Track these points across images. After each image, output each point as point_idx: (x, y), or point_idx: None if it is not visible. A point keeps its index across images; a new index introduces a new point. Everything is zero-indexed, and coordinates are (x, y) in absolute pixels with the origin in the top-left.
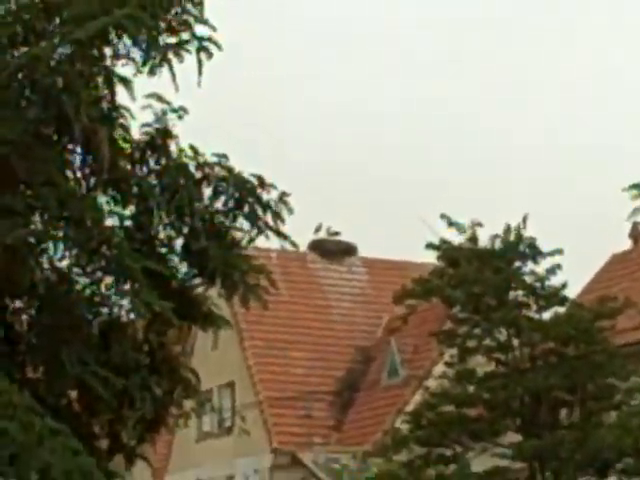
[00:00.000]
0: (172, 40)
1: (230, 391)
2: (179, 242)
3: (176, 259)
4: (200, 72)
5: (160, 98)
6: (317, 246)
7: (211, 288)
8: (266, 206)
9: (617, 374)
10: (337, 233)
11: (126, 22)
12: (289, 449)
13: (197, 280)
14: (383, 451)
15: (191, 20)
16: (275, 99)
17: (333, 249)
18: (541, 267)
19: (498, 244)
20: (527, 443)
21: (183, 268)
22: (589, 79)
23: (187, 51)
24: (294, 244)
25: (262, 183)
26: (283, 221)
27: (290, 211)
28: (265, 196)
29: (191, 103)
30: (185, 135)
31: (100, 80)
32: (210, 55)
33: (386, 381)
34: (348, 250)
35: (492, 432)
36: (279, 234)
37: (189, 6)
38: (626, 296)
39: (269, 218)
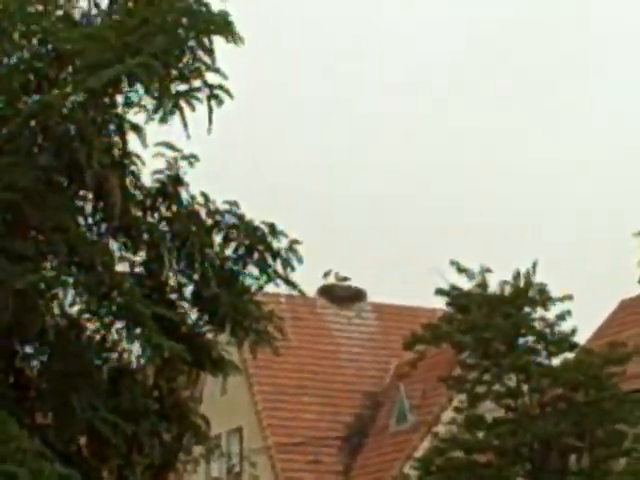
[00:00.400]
0: (183, 88)
1: (239, 436)
2: (189, 288)
3: (186, 305)
4: (210, 120)
5: (171, 146)
6: (326, 291)
7: (220, 334)
8: (276, 254)
9: (626, 420)
10: (347, 278)
11: (138, 71)
12: None
13: (207, 326)
14: None
15: (202, 68)
16: (280, 145)
17: (342, 294)
18: (551, 313)
19: (508, 290)
20: None
21: (193, 314)
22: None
23: (197, 99)
24: (302, 293)
25: (273, 231)
26: (293, 269)
27: (300, 260)
28: (275, 244)
29: (202, 150)
30: (196, 182)
31: (112, 127)
32: (221, 102)
33: (395, 427)
34: (357, 295)
35: (501, 478)
36: (288, 282)
37: (201, 54)
38: (635, 342)
39: (279, 265)
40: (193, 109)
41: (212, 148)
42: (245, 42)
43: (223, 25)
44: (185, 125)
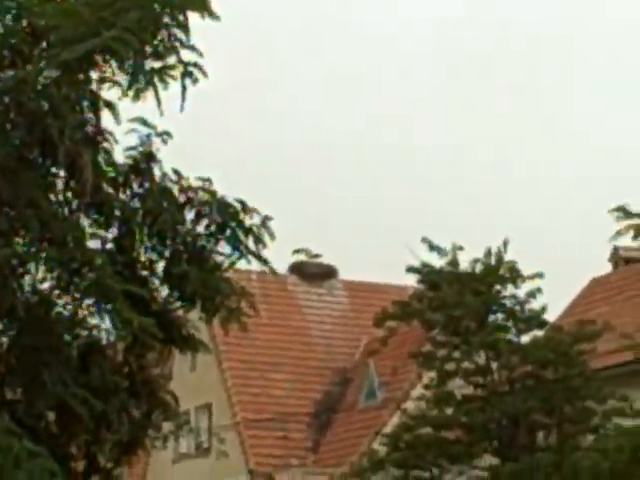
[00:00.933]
0: (158, 64)
1: (207, 412)
2: (161, 265)
3: (157, 282)
4: (184, 97)
5: (145, 122)
6: (298, 268)
7: (191, 311)
8: (248, 230)
9: (594, 397)
10: (318, 255)
11: (114, 44)
12: (266, 470)
13: (177, 303)
14: (360, 473)
15: (178, 45)
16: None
17: (314, 271)
18: (521, 291)
19: (479, 268)
20: (504, 466)
21: (164, 291)
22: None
23: (171, 77)
24: (274, 271)
25: (245, 207)
26: (265, 245)
27: (272, 236)
28: (248, 220)
29: (176, 127)
30: (169, 159)
31: (85, 104)
32: (195, 81)
33: (364, 403)
34: (328, 272)
35: (469, 455)
36: (260, 259)
37: (176, 31)
38: (605, 320)
39: (251, 242)
40: (166, 86)
41: (187, 125)
42: (220, 19)
43: (198, 1)
44: (158, 102)
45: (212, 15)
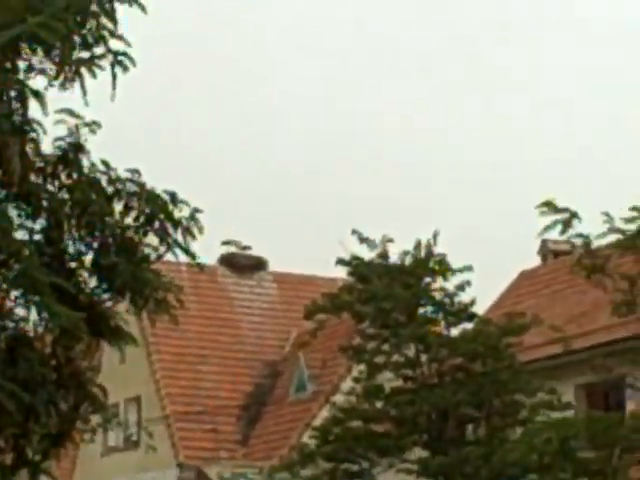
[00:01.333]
0: (86, 54)
1: (137, 405)
2: (89, 257)
3: (85, 274)
4: (114, 87)
5: (72, 113)
6: (227, 260)
7: (120, 303)
8: (177, 223)
9: (523, 390)
10: (248, 247)
11: (40, 31)
12: (195, 464)
13: (106, 295)
14: (290, 466)
15: (106, 34)
16: (185, 113)
17: (243, 263)
18: (451, 283)
19: (408, 260)
20: (433, 459)
21: (92, 282)
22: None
23: (99, 67)
24: (201, 265)
25: (174, 199)
26: (193, 238)
27: (201, 229)
28: (177, 213)
29: (105, 118)
30: (98, 150)
31: (12, 93)
32: (125, 69)
33: (294, 396)
34: (258, 264)
35: (399, 448)
36: (188, 252)
37: (104, 20)
38: (533, 313)
39: (179, 235)
40: (94, 76)
41: (116, 115)
42: (146, 11)
43: None
44: (84, 92)
45: (140, 6)
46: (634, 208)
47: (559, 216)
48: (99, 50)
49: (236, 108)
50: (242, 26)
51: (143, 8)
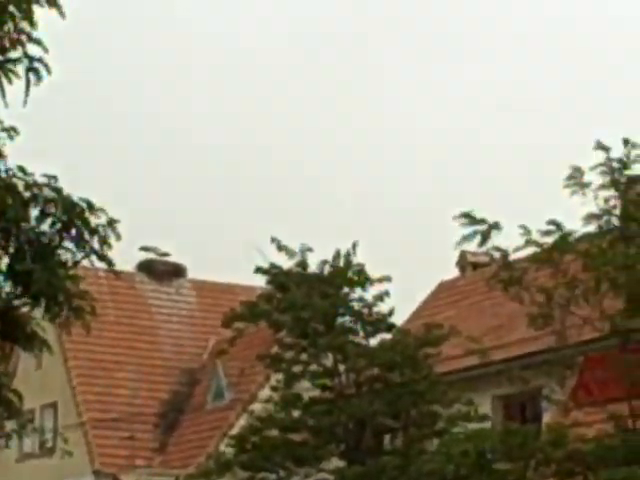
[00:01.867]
0: (1, 58)
1: (53, 411)
2: (4, 262)
3: (0, 278)
4: (27, 92)
5: None
6: (146, 266)
7: (36, 309)
8: (94, 231)
9: (440, 401)
10: (166, 254)
11: None
12: (111, 471)
13: (21, 300)
14: (207, 474)
15: (24, 38)
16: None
17: (162, 270)
18: (369, 293)
19: (327, 270)
20: (350, 469)
21: (7, 288)
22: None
23: (13, 72)
24: (117, 273)
25: (91, 207)
26: (110, 247)
27: (118, 237)
28: (94, 220)
29: (28, 123)
30: (18, 156)
31: None
32: (39, 78)
33: (211, 404)
34: (177, 271)
35: (316, 457)
36: (104, 260)
37: (23, 24)
38: (451, 324)
39: (96, 242)
40: (10, 81)
41: (38, 122)
42: (64, 15)
43: None
44: (2, 94)
45: (58, 9)
46: (551, 222)
47: (477, 227)
48: (15, 54)
49: (163, 113)
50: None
51: (61, 12)
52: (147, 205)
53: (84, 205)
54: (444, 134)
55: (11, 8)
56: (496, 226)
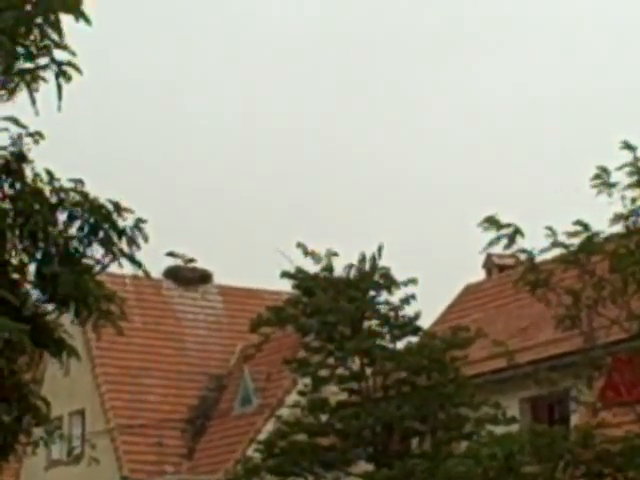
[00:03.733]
0: (30, 65)
1: (81, 418)
2: (32, 268)
3: (29, 285)
4: (60, 97)
5: (17, 122)
6: (172, 273)
7: (64, 315)
8: (121, 232)
9: (468, 404)
10: (193, 260)
11: None
12: (139, 477)
13: (49, 306)
14: None
15: (51, 45)
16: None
17: (188, 276)
18: (395, 297)
19: (353, 273)
20: (378, 472)
21: (35, 294)
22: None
23: (42, 79)
24: (147, 273)
25: (118, 209)
26: (138, 247)
27: (145, 238)
28: (121, 222)
29: (51, 128)
30: (42, 160)
31: None
32: (69, 78)
33: (239, 409)
34: (203, 277)
35: (344, 461)
36: (133, 261)
37: (49, 31)
38: (478, 327)
39: (124, 244)
40: (37, 88)
41: (61, 126)
42: (91, 23)
43: (70, 4)
44: (33, 102)
45: (85, 19)
46: (577, 222)
47: (503, 231)
48: (43, 61)
49: (186, 117)
50: (183, 42)
51: (87, 20)
52: (172, 212)
53: (111, 207)
54: (468, 133)
55: (39, 19)
56: (519, 232)
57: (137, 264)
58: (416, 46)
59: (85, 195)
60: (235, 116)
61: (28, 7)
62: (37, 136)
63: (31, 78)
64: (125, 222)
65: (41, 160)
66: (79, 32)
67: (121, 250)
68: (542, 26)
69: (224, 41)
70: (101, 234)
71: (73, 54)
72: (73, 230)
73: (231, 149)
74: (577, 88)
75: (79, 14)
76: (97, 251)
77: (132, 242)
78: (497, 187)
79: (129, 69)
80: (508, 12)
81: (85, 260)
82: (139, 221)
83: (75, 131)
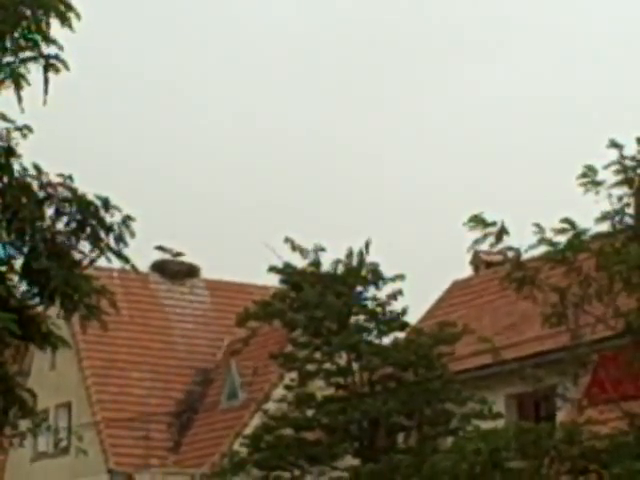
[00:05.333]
0: (17, 58)
1: (67, 411)
2: (19, 261)
3: (16, 278)
4: (46, 91)
5: (4, 117)
6: (160, 266)
7: (50, 308)
8: (109, 229)
9: (454, 400)
10: (180, 254)
11: None
12: (125, 470)
13: (36, 299)
14: (221, 474)
15: (38, 39)
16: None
17: (176, 270)
18: (383, 292)
19: (341, 269)
20: (364, 467)
21: (22, 287)
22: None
23: (28, 72)
24: (135, 268)
25: (107, 205)
26: (126, 244)
27: (132, 234)
28: (109, 218)
29: (38, 122)
30: (31, 155)
31: None
32: (57, 71)
33: (225, 403)
34: (191, 271)
35: (330, 456)
36: (120, 257)
37: (36, 26)
38: (465, 323)
39: (111, 240)
40: (27, 81)
41: (60, 125)
42: (75, 30)
43: (58, 10)
44: (19, 98)
45: (69, 26)
46: (564, 220)
47: (488, 229)
48: (31, 53)
49: (172, 115)
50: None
51: (71, 27)
52: (159, 205)
53: (99, 203)
54: (457, 134)
55: (27, 12)
56: (505, 230)
57: (124, 259)
58: (416, 47)
59: (73, 191)
60: (235, 116)
61: (21, 8)
62: (25, 130)
63: (17, 75)
64: (113, 218)
65: (41, 160)
66: (79, 32)
67: (108, 245)
68: (541, 27)
69: (224, 41)
70: (88, 230)
71: (61, 48)
72: (60, 225)
73: (224, 147)
74: (577, 90)
75: (65, 19)
76: (84, 246)
77: (120, 238)
78: (489, 187)
79: (129, 69)
80: (508, 13)
81: (73, 253)
82: (127, 218)
83: (73, 128)
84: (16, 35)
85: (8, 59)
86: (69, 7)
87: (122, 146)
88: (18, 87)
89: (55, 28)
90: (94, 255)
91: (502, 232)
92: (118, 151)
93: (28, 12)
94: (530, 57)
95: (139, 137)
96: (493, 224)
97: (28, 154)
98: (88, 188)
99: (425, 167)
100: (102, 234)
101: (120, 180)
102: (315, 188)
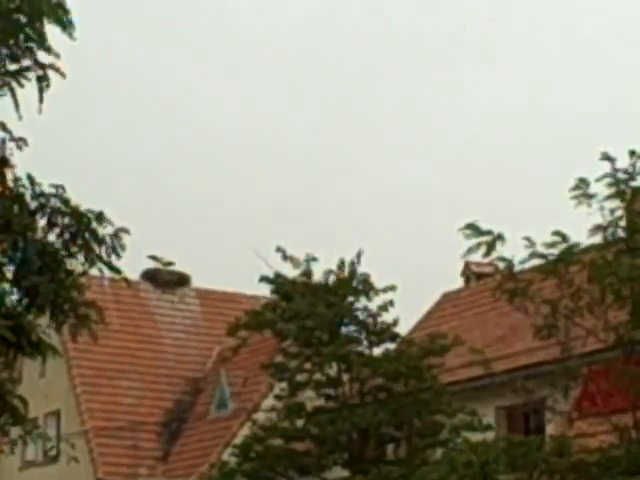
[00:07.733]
0: (14, 67)
1: (56, 420)
2: (10, 269)
3: (7, 286)
4: (41, 99)
5: (3, 126)
6: (150, 275)
7: (41, 316)
8: (101, 241)
9: (444, 411)
10: (171, 263)
11: None
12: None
13: (27, 308)
14: None
15: (34, 47)
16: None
17: (166, 279)
18: (374, 303)
19: (332, 279)
20: (353, 478)
21: (13, 296)
22: None
23: (27, 79)
24: (127, 280)
25: (99, 218)
26: (118, 256)
27: (123, 247)
28: (101, 230)
29: (32, 133)
30: (25, 166)
31: None
32: (48, 83)
33: (214, 413)
34: (181, 280)
35: (319, 467)
36: (112, 268)
37: (32, 33)
38: (455, 334)
39: (103, 252)
40: (22, 87)
41: (44, 131)
42: (75, 38)
43: (55, 16)
44: (17, 106)
45: (69, 34)
46: (556, 233)
47: (482, 239)
48: (26, 62)
49: (165, 124)
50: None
51: (71, 35)
52: (150, 214)
53: (92, 216)
54: (447, 141)
55: (23, 19)
56: (500, 237)
57: (116, 270)
58: (416, 48)
59: (66, 201)
60: (235, 115)
61: (19, 15)
62: (20, 142)
63: (16, 81)
64: (105, 230)
65: (35, 167)
66: (78, 32)
67: (100, 257)
68: (542, 31)
69: (224, 41)
70: (80, 241)
71: (57, 56)
72: (52, 236)
73: (218, 155)
74: (577, 93)
75: (65, 25)
76: (77, 257)
77: (112, 250)
78: (482, 195)
79: (129, 69)
80: (509, 16)
81: (65, 263)
82: (120, 230)
83: (71, 130)
84: (11, 42)
85: (5, 67)
86: (66, 12)
87: (118, 154)
88: (14, 94)
89: (53, 33)
90: (86, 267)
91: (495, 241)
92: (115, 159)
93: (24, 19)
94: (530, 59)
95: (133, 146)
96: (488, 233)
97: (23, 162)
98: (81, 194)
99: (422, 177)
100: (94, 246)
101: (113, 189)
102: (311, 199)
